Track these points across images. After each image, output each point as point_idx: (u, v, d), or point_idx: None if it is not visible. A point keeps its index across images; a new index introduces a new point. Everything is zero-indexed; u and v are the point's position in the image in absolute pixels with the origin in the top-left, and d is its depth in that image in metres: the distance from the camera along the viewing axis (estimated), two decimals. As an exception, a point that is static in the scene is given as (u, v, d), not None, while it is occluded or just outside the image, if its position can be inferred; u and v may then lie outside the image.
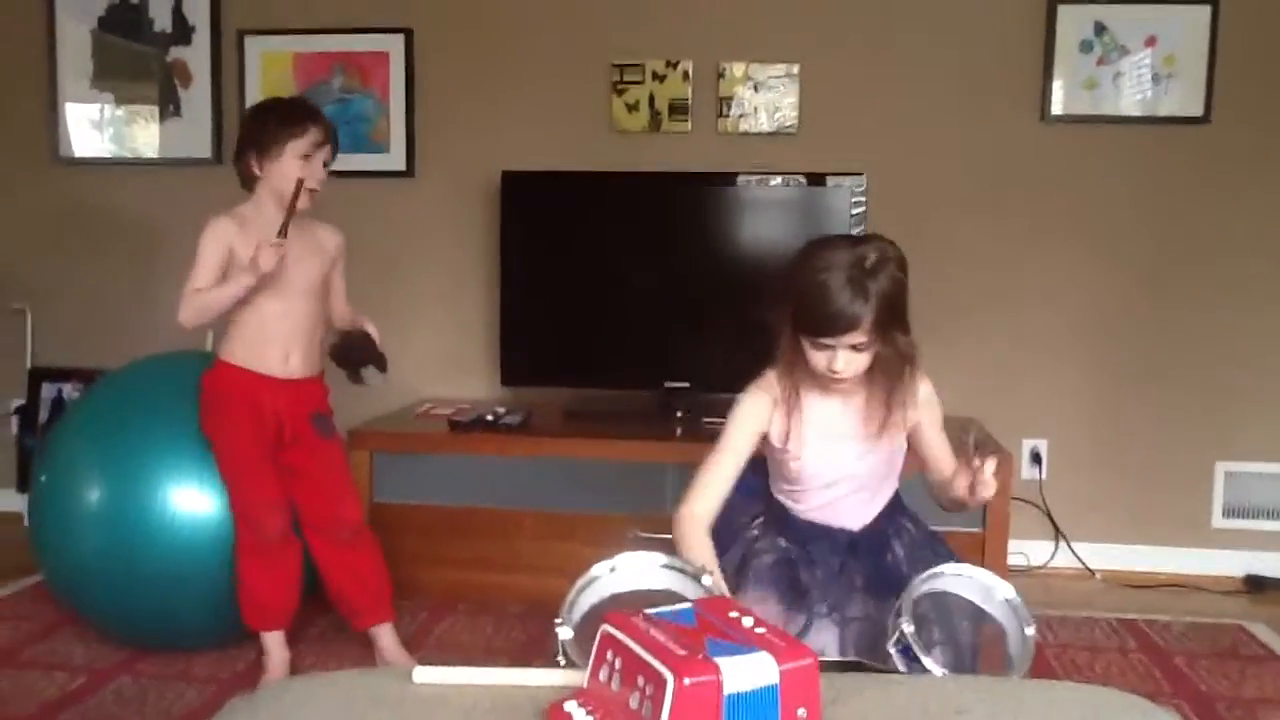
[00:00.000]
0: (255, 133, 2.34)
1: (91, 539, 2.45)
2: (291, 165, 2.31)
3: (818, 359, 1.84)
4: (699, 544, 1.85)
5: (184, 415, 2.42)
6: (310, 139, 2.32)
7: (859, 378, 1.90)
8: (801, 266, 1.83)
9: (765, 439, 1.98)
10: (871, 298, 1.76)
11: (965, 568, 1.80)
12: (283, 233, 2.29)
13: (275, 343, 2.37)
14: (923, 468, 2.03)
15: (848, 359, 1.82)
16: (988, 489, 1.81)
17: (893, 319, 1.80)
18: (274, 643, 2.43)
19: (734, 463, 1.95)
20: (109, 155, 3.64)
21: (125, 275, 3.61)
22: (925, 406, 1.97)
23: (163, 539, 2.40)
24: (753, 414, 1.96)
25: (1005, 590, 1.76)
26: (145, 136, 3.62)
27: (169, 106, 3.59)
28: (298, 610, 2.47)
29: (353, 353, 2.47)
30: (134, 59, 3.60)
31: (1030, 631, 1.69)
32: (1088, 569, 3.30)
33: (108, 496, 2.44)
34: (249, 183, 2.37)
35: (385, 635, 2.51)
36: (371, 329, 2.52)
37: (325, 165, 2.38)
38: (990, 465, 1.79)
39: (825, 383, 1.88)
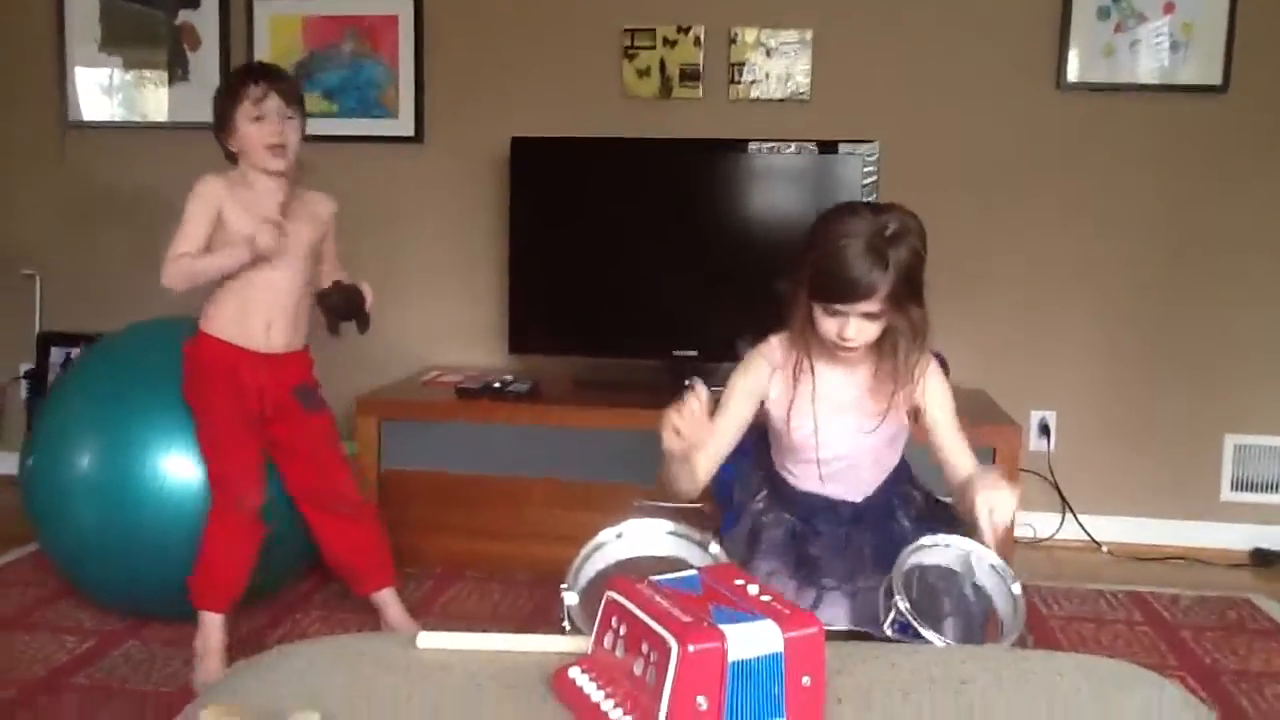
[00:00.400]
0: (215, 111, 2.32)
1: (85, 508, 2.43)
2: (248, 131, 2.27)
3: (829, 325, 1.82)
4: (689, 474, 1.85)
5: (177, 381, 2.38)
6: (252, 97, 2.26)
7: (867, 349, 1.88)
8: (821, 232, 1.81)
9: (765, 408, 1.97)
10: (890, 267, 1.74)
11: (948, 537, 1.77)
12: (284, 211, 2.27)
13: (258, 314, 2.31)
14: (940, 464, 1.95)
15: (859, 327, 1.80)
16: (997, 503, 1.69)
17: (908, 291, 1.78)
18: (212, 623, 2.31)
19: (732, 425, 1.95)
20: (118, 120, 3.63)
21: (133, 240, 3.59)
22: (932, 388, 1.92)
23: (157, 506, 2.38)
24: (749, 384, 1.95)
25: (989, 556, 1.74)
26: (154, 101, 3.61)
27: (177, 71, 3.57)
28: (240, 598, 2.36)
29: (342, 303, 2.39)
30: (142, 23, 3.58)
31: (1017, 589, 1.68)
32: (1095, 541, 3.29)
33: (100, 465, 2.43)
34: (233, 158, 2.35)
35: (389, 599, 2.50)
36: (368, 290, 2.45)
37: (289, 118, 2.30)
38: (998, 475, 1.72)
39: (833, 352, 1.87)
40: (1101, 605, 2.82)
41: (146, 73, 3.60)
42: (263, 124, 2.27)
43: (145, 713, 2.14)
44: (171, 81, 3.58)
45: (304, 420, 2.41)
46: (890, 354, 1.87)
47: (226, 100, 2.29)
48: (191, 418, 2.37)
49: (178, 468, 2.39)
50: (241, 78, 2.31)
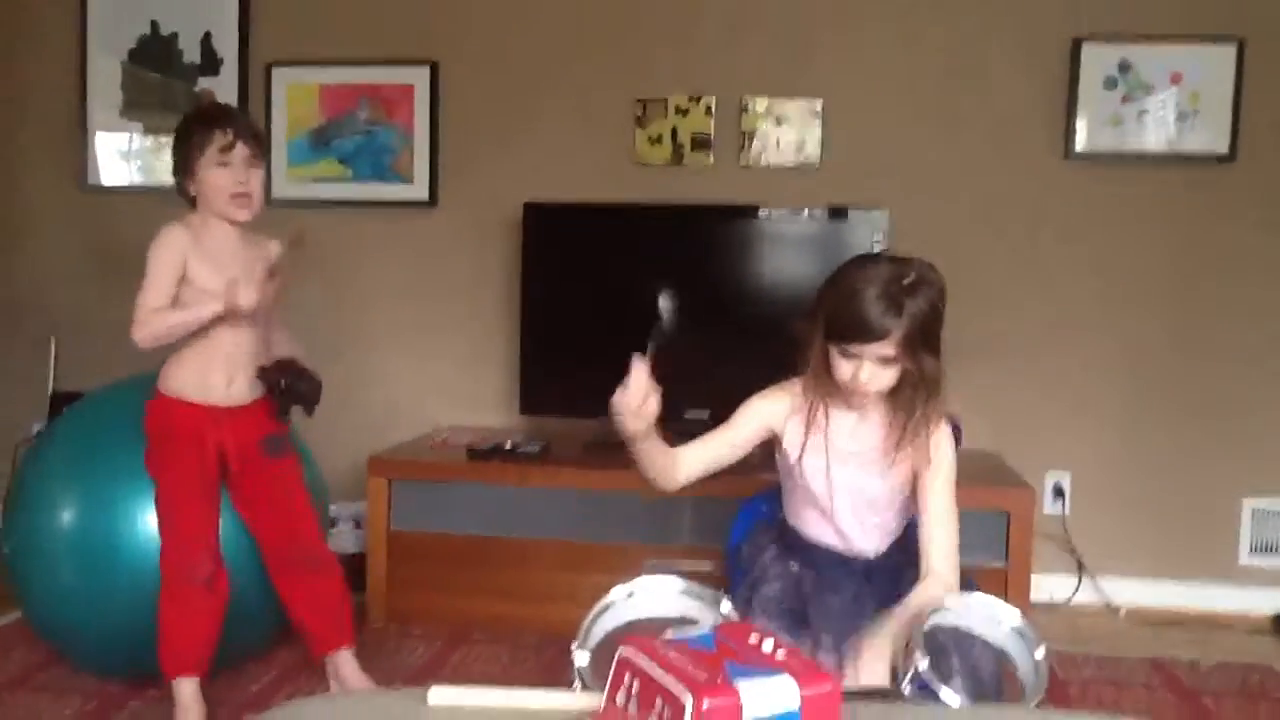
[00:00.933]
0: (175, 154, 2.26)
1: (63, 571, 2.40)
2: (212, 178, 2.22)
3: (844, 368, 1.83)
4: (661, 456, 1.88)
5: None
6: (218, 143, 2.21)
7: (882, 399, 1.89)
8: (841, 274, 1.85)
9: (779, 450, 1.98)
10: (905, 313, 1.76)
11: (969, 597, 1.76)
12: (273, 273, 2.26)
13: (219, 368, 2.26)
14: (919, 528, 1.93)
15: (873, 372, 1.81)
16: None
17: (923, 341, 1.80)
18: (187, 694, 2.26)
19: (729, 443, 1.96)
20: (136, 184, 3.69)
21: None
22: (938, 454, 1.91)
23: (136, 566, 2.32)
24: (766, 408, 1.97)
25: (1012, 617, 1.72)
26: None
27: (196, 136, 3.62)
28: (211, 662, 2.31)
29: (287, 389, 2.32)
30: (162, 90, 3.65)
31: (1040, 655, 1.66)
32: (1111, 605, 3.25)
33: (78, 525, 2.40)
34: (193, 203, 2.28)
35: (345, 661, 2.41)
36: (299, 353, 2.41)
37: (254, 166, 2.25)
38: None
39: (848, 397, 1.87)
40: (1120, 671, 2.77)
41: (165, 138, 3.64)
42: (227, 171, 2.22)
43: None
44: (190, 147, 3.63)
45: (268, 468, 2.35)
46: (905, 405, 1.88)
47: (189, 145, 2.23)
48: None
49: (155, 527, 2.32)
50: (205, 121, 2.25)
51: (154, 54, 3.63)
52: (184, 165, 2.24)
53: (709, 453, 1.96)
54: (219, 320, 2.21)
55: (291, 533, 2.38)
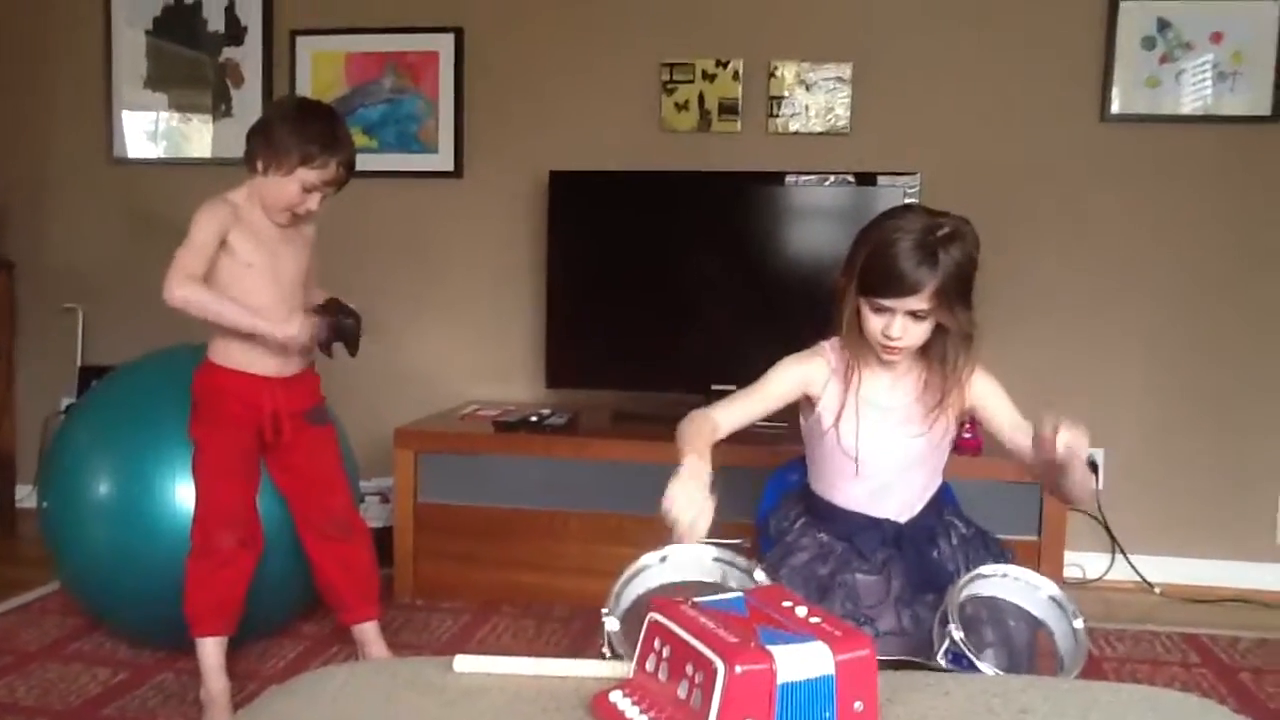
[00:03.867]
0: (276, 133, 2.17)
1: (99, 539, 2.41)
2: (292, 189, 2.18)
3: (875, 323, 1.80)
4: (696, 435, 1.81)
5: (188, 408, 2.31)
6: (323, 176, 2.18)
7: (914, 356, 1.85)
8: (874, 227, 1.81)
9: (807, 416, 1.95)
10: (939, 265, 1.72)
11: (1005, 567, 1.73)
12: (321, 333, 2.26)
13: (269, 342, 2.23)
14: (1013, 450, 1.91)
15: (905, 326, 1.77)
16: (1067, 441, 1.66)
17: (957, 294, 1.76)
18: (212, 659, 2.24)
19: (762, 403, 1.93)
20: (162, 156, 3.68)
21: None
22: (981, 387, 1.90)
23: (172, 535, 2.30)
24: (801, 370, 1.93)
25: (1049, 587, 1.69)
26: (198, 137, 3.65)
27: (221, 107, 3.61)
28: (239, 621, 2.29)
29: (340, 325, 2.30)
30: (187, 62, 3.63)
31: (1079, 624, 1.62)
32: (1147, 582, 3.19)
33: (113, 494, 2.40)
34: (249, 165, 2.21)
35: (371, 634, 2.41)
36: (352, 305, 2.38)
37: (327, 197, 2.25)
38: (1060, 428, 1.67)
39: (881, 355, 1.84)
40: (1156, 647, 2.73)
41: (191, 109, 3.64)
42: (308, 197, 2.20)
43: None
44: (215, 118, 3.62)
45: (310, 436, 2.35)
46: (938, 362, 1.85)
47: (298, 152, 2.15)
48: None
49: (191, 495, 2.31)
50: (330, 145, 2.17)
51: (178, 24, 3.62)
52: (277, 155, 2.16)
53: (744, 413, 1.93)
54: (254, 289, 2.20)
55: (326, 500, 2.38)
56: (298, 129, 2.17)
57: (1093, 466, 3.22)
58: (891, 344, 1.79)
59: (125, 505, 2.40)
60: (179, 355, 2.51)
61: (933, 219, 1.76)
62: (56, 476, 2.53)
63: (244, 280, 2.21)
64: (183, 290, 2.11)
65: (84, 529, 2.44)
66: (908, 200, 2.99)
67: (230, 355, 2.25)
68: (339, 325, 2.29)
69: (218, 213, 2.18)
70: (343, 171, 2.22)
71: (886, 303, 1.77)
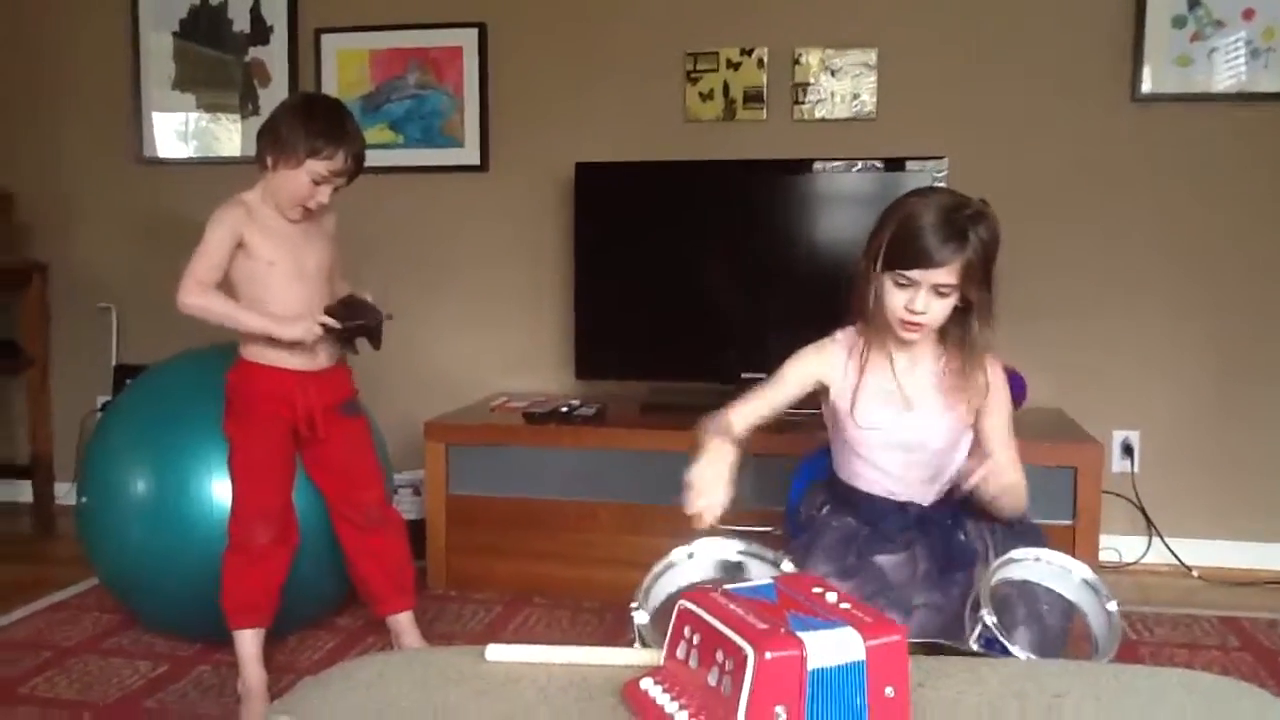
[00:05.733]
0: (283, 129, 2.19)
1: (136, 536, 2.43)
2: (302, 182, 2.19)
3: (897, 299, 1.79)
4: (718, 426, 1.85)
5: (222, 405, 2.34)
6: (331, 167, 2.19)
7: (933, 340, 1.85)
8: (901, 202, 1.83)
9: (827, 402, 1.95)
10: (967, 240, 1.74)
11: (1038, 551, 1.72)
12: (337, 330, 2.25)
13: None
14: (983, 444, 1.92)
15: (928, 301, 1.77)
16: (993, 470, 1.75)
17: (981, 272, 1.76)
18: (249, 651, 2.27)
19: (779, 397, 1.95)
20: (192, 156, 3.71)
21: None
22: (994, 395, 1.90)
23: (207, 531, 2.34)
24: (816, 361, 1.95)
25: (1081, 570, 1.68)
26: (225, 136, 3.68)
27: (248, 106, 3.64)
28: (276, 614, 2.32)
29: (357, 320, 2.30)
30: (213, 63, 3.66)
31: (1113, 607, 1.62)
32: (1184, 566, 3.16)
33: (150, 491, 2.43)
34: (260, 163, 2.24)
35: (406, 625, 2.43)
36: (370, 299, 2.38)
37: (338, 189, 2.26)
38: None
39: (898, 334, 1.83)
40: (1195, 631, 2.70)
41: (219, 109, 3.67)
42: (318, 190, 2.21)
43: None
44: (243, 117, 3.64)
45: (343, 428, 2.37)
46: (956, 346, 1.84)
47: (305, 145, 2.16)
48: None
49: (226, 492, 2.34)
50: (335, 136, 2.18)
51: (204, 25, 3.64)
52: (285, 150, 2.18)
53: (760, 410, 1.96)
54: (278, 284, 2.23)
55: (360, 493, 2.40)
56: (304, 123, 2.19)
57: (1127, 449, 3.21)
58: (914, 319, 1.79)
59: (160, 503, 2.43)
60: (211, 354, 2.53)
61: (957, 198, 1.79)
62: (92, 475, 2.57)
63: (268, 279, 2.23)
64: (191, 299, 2.17)
65: (120, 527, 2.47)
66: (938, 184, 2.97)
67: (260, 353, 2.27)
68: (353, 322, 2.29)
69: (230, 216, 2.21)
70: (351, 163, 2.22)
71: (913, 274, 1.77)
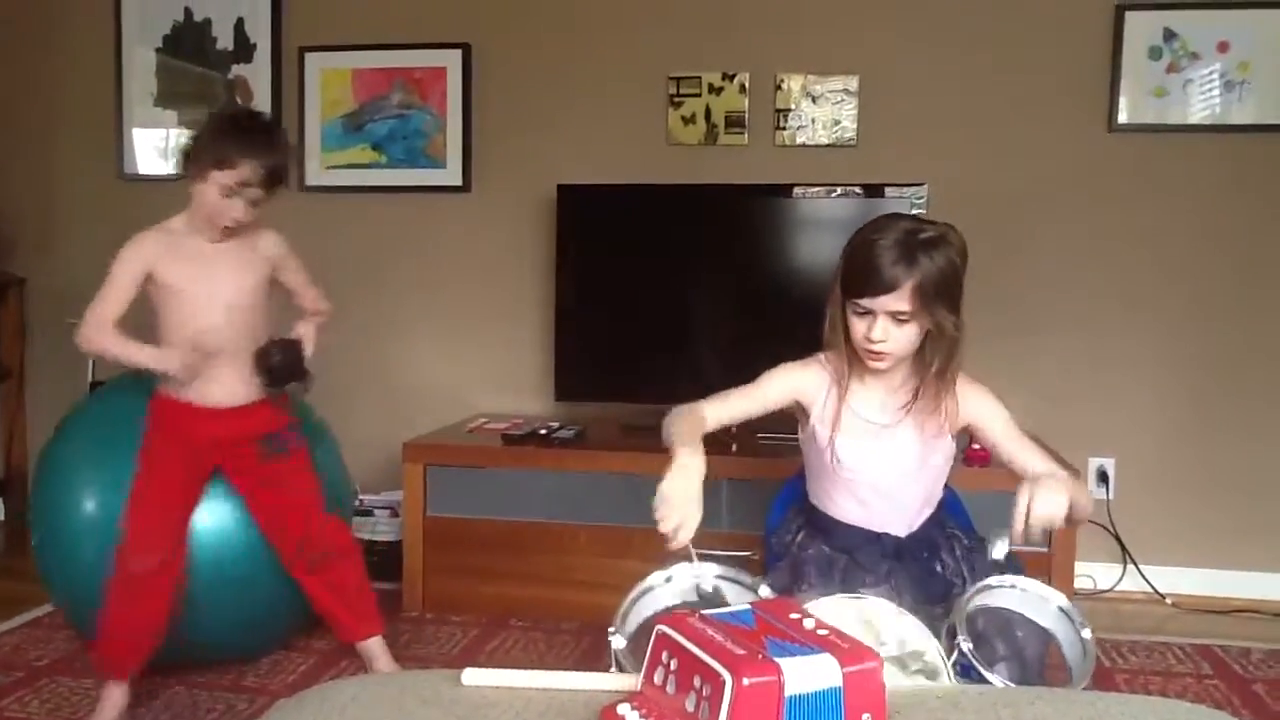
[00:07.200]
0: (198, 144, 2.19)
1: (87, 558, 2.33)
2: (212, 195, 2.16)
3: (858, 327, 1.79)
4: (687, 429, 1.82)
5: None
6: (235, 177, 2.14)
7: (908, 369, 1.85)
8: (860, 230, 1.82)
9: (804, 429, 1.94)
10: (917, 266, 1.71)
11: (1014, 579, 1.72)
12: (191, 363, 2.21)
13: (213, 369, 2.23)
14: (1001, 457, 1.91)
15: (886, 329, 1.76)
16: (1039, 494, 1.66)
17: (940, 298, 1.74)
18: (112, 695, 2.23)
19: (754, 404, 1.93)
20: (173, 173, 3.69)
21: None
22: (978, 403, 1.89)
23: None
24: (798, 378, 1.93)
25: (1057, 598, 1.68)
26: (207, 153, 3.67)
27: (230, 123, 3.63)
28: (145, 659, 2.26)
29: (284, 365, 2.29)
30: (196, 79, 3.65)
31: (1087, 634, 1.62)
32: (1158, 593, 3.18)
33: (100, 512, 2.35)
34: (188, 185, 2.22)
35: (374, 648, 2.40)
36: (306, 335, 2.37)
37: (255, 204, 2.20)
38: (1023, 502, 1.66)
39: (870, 363, 1.83)
40: (1168, 658, 2.71)
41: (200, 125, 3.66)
42: (229, 202, 2.17)
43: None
44: (225, 134, 3.63)
45: (266, 466, 2.32)
46: (930, 372, 1.84)
47: (211, 155, 2.15)
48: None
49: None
50: (242, 146, 2.15)
51: (188, 41, 3.64)
52: (196, 162, 2.18)
53: (734, 411, 1.94)
54: (187, 317, 2.22)
55: (299, 528, 2.35)
56: (214, 136, 2.18)
57: (1102, 476, 3.23)
58: (874, 348, 1.79)
59: (109, 522, 2.30)
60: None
61: (917, 224, 1.77)
62: (42, 501, 2.49)
63: (182, 307, 2.22)
64: (90, 343, 2.19)
65: (69, 548, 2.40)
66: (915, 213, 2.99)
67: (171, 386, 2.26)
68: (269, 365, 2.28)
69: (139, 250, 2.21)
70: (261, 173, 2.16)
71: (865, 303, 1.76)
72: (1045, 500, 1.64)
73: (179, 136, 3.67)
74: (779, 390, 1.94)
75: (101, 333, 2.17)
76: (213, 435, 2.27)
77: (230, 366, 2.27)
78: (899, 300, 1.73)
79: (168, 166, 3.70)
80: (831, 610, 1.55)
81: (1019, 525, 1.65)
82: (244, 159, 2.14)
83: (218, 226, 2.21)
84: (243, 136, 2.18)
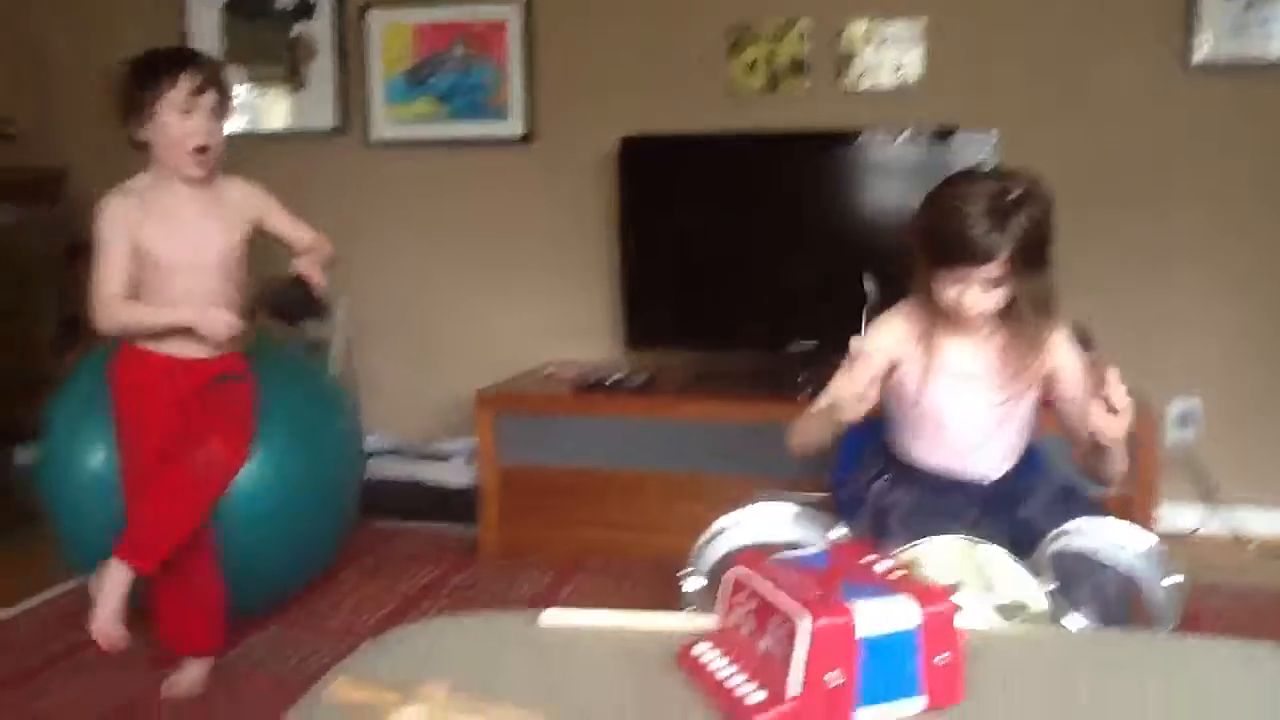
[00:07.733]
0: (125, 96, 2.09)
1: (96, 511, 2.28)
2: (171, 121, 2.07)
3: (948, 293, 1.76)
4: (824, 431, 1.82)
5: None
6: (183, 88, 2.05)
7: (994, 319, 1.81)
8: (939, 193, 1.75)
9: (890, 378, 1.91)
10: (1010, 231, 1.67)
11: (1096, 521, 1.70)
12: (249, 315, 2.17)
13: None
14: (1069, 438, 1.89)
15: (977, 296, 1.73)
16: (1109, 418, 1.65)
17: (1032, 259, 1.71)
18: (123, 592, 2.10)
19: (876, 370, 1.86)
20: (242, 129, 3.74)
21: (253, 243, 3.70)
22: (1061, 362, 1.86)
23: None
24: (890, 337, 1.88)
25: (1141, 541, 1.66)
26: (273, 110, 3.71)
27: (295, 79, 3.66)
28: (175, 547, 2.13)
29: (295, 303, 2.26)
30: (261, 36, 3.68)
31: (1173, 579, 1.59)
32: (1241, 538, 3.12)
33: (107, 466, 2.30)
34: (142, 148, 2.14)
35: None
36: (313, 271, 2.26)
37: (218, 116, 2.11)
38: (1112, 380, 1.63)
39: (959, 321, 1.80)
40: (1254, 602, 2.66)
41: (266, 83, 3.70)
42: (190, 120, 2.08)
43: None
44: (291, 90, 3.67)
45: (210, 391, 2.21)
46: (1019, 324, 1.80)
47: (148, 87, 2.06)
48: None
49: None
50: (172, 62, 2.07)
51: (251, 0, 3.67)
52: (139, 109, 2.08)
53: (867, 381, 1.89)
54: (171, 285, 2.14)
55: (199, 438, 2.18)
56: (139, 74, 2.11)
57: (1185, 418, 3.16)
58: (967, 312, 1.76)
59: (115, 476, 2.28)
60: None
61: (1000, 183, 1.70)
62: (49, 458, 2.46)
63: (171, 277, 2.15)
64: (109, 322, 2.11)
65: (77, 502, 2.37)
66: (984, 158, 2.92)
67: (154, 338, 2.18)
68: (279, 305, 2.26)
69: (115, 217, 2.11)
70: (198, 79, 2.09)
71: (959, 272, 1.73)
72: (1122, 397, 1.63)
73: (246, 93, 3.71)
74: (881, 359, 1.84)
75: (116, 307, 2.11)
76: (192, 385, 2.19)
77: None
78: (997, 268, 1.70)
79: (240, 123, 3.74)
80: (941, 551, 1.55)
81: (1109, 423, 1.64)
82: (180, 70, 2.08)
83: (189, 154, 2.11)
84: (165, 57, 2.13)
